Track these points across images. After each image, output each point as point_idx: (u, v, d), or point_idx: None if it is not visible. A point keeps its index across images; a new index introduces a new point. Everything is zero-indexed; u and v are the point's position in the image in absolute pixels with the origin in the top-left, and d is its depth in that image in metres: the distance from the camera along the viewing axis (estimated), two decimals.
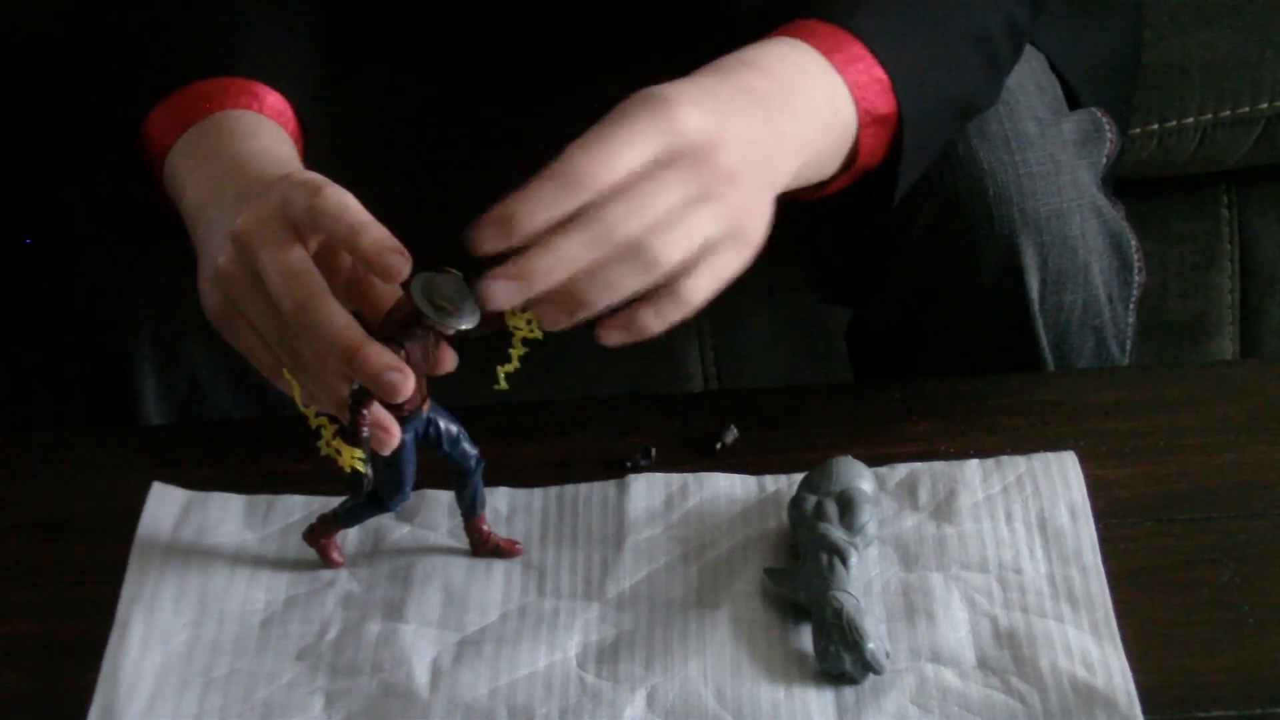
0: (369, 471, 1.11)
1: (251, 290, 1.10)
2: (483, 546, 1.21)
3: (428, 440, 1.17)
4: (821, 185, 1.22)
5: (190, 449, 1.31)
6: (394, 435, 1.11)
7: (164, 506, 1.25)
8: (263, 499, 1.25)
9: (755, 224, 1.11)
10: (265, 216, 1.10)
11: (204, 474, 1.27)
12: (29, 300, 1.54)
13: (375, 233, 1.08)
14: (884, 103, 1.21)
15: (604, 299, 1.06)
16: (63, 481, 1.29)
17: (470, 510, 1.21)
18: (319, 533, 1.20)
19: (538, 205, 1.05)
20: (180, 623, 1.17)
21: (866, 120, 1.20)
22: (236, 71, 1.24)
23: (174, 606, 1.18)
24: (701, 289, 1.09)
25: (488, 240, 1.05)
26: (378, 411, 1.11)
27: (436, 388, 1.14)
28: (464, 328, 1.09)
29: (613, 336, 1.09)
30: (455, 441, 1.18)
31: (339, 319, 1.08)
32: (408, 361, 1.09)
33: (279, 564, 1.21)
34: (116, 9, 1.32)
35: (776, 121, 1.14)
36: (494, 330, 1.10)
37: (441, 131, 1.45)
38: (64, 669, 1.15)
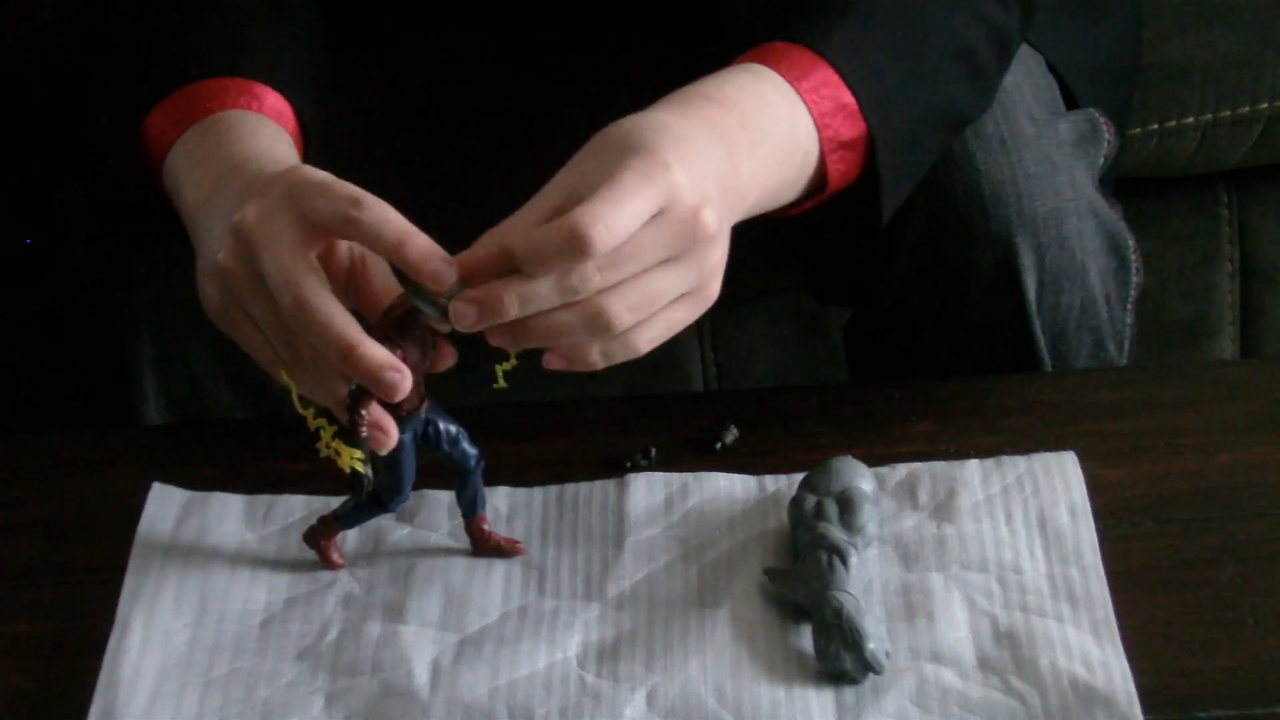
0: (368, 472, 1.11)
1: (252, 285, 1.10)
2: (483, 546, 1.21)
3: (427, 440, 1.17)
4: (790, 205, 1.21)
5: (190, 449, 1.31)
6: (392, 435, 1.11)
7: (164, 506, 1.25)
8: (263, 499, 1.25)
9: (718, 281, 1.12)
10: (266, 212, 1.10)
11: (204, 474, 1.27)
12: (29, 301, 1.55)
13: (420, 241, 1.08)
14: (851, 127, 1.20)
15: (549, 342, 1.09)
16: (63, 481, 1.29)
17: (470, 510, 1.21)
18: (319, 534, 1.20)
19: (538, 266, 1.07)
20: (180, 623, 1.17)
21: (831, 146, 1.20)
22: (236, 72, 1.24)
23: (174, 606, 1.18)
24: (651, 339, 1.10)
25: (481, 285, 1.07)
26: (376, 411, 1.11)
27: (436, 387, 1.14)
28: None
29: (554, 363, 1.10)
30: (455, 441, 1.18)
31: (338, 317, 1.08)
32: (405, 360, 1.09)
33: (279, 564, 1.21)
34: (117, 9, 1.32)
35: (737, 161, 1.14)
36: None
37: (441, 131, 1.45)
38: (64, 669, 1.15)
